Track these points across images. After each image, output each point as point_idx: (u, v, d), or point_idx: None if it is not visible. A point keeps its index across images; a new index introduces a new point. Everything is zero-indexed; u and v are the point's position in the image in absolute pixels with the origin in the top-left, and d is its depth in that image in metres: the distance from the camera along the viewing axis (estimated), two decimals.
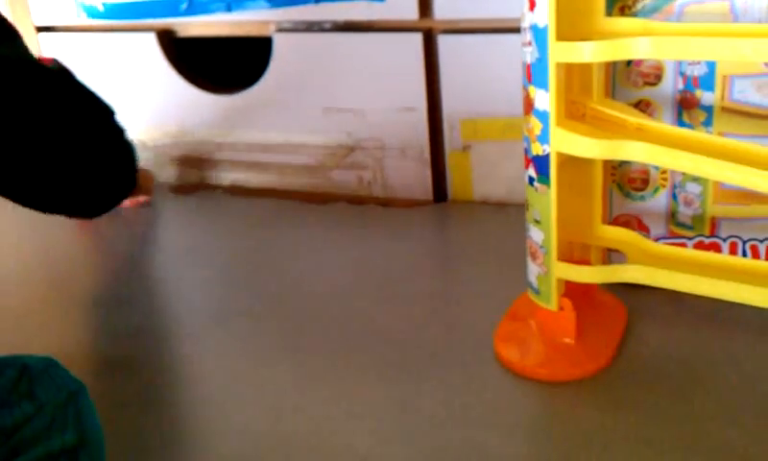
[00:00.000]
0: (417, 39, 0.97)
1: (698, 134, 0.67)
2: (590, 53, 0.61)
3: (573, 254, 0.76)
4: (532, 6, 0.61)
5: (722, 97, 0.71)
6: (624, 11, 0.70)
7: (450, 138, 1.02)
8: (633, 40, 0.59)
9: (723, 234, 0.76)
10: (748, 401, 0.66)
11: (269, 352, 0.79)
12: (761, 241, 0.75)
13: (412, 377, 0.73)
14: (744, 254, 0.76)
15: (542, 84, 0.63)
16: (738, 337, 0.73)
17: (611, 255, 0.79)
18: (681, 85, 0.72)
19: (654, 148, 0.62)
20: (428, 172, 1.05)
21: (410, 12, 0.96)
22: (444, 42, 0.97)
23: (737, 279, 0.66)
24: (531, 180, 0.68)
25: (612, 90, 0.74)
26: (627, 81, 0.73)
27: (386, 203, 1.07)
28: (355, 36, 1.00)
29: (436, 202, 1.06)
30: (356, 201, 1.08)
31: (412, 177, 1.05)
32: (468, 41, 0.95)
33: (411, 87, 1.00)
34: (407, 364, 0.75)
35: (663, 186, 0.76)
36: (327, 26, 1.01)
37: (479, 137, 1.00)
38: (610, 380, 0.70)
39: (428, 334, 0.79)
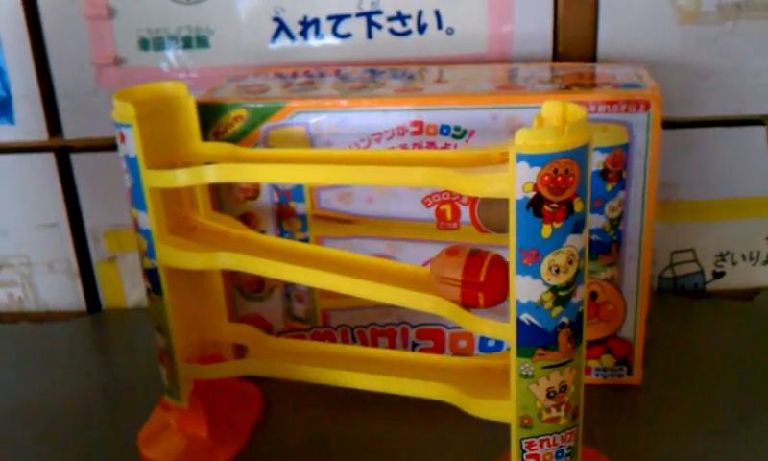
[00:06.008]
0: (50, 158, 1.00)
1: (293, 243, 0.76)
2: (178, 179, 0.68)
3: (206, 350, 0.81)
4: (122, 139, 0.68)
5: (312, 206, 0.81)
6: (218, 135, 0.79)
7: (96, 250, 1.05)
8: (203, 167, 0.67)
9: (334, 324, 0.86)
10: None
11: None
12: (365, 327, 0.86)
13: None
14: (354, 340, 0.87)
15: (142, 207, 0.69)
16: (371, 414, 0.81)
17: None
18: (276, 198, 0.81)
19: (243, 257, 0.70)
20: (79, 284, 1.06)
21: (40, 133, 0.99)
22: (78, 160, 1.00)
23: (349, 366, 0.74)
24: (147, 291, 0.74)
25: (220, 204, 0.82)
26: (230, 196, 0.82)
27: (39, 318, 1.07)
28: None
29: (90, 313, 1.07)
30: (8, 319, 1.07)
31: (63, 290, 1.06)
32: (103, 158, 0.99)
33: (50, 204, 1.02)
34: None
35: (278, 287, 0.85)
36: None
37: (124, 248, 1.03)
38: None
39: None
